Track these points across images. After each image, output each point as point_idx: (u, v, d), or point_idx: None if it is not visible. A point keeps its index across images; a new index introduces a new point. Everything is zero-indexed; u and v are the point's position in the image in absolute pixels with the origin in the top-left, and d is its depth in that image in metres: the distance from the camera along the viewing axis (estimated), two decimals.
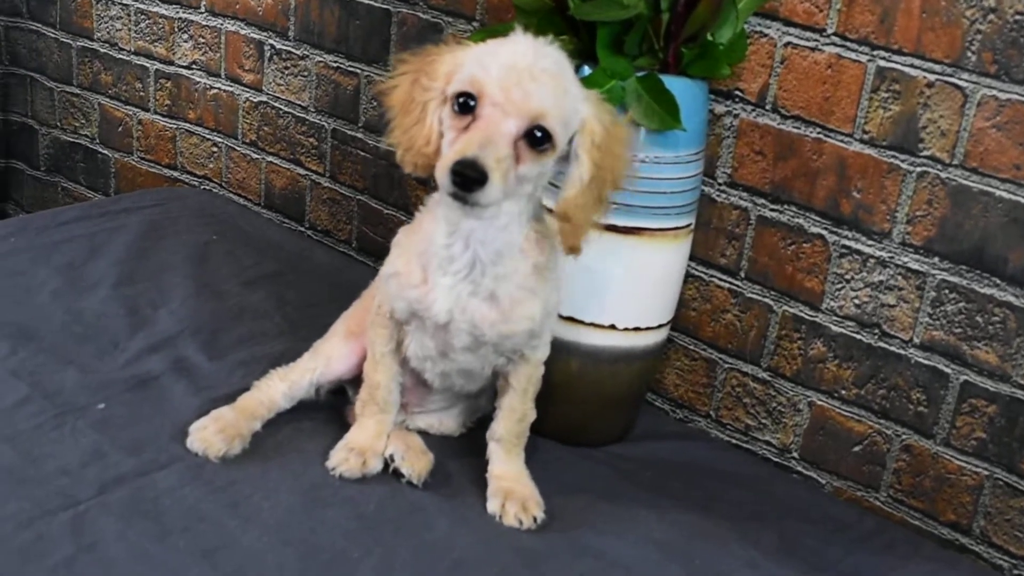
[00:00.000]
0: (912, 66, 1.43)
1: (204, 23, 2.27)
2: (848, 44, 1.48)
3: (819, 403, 1.60)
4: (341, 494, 1.30)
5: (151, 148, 2.46)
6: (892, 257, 1.50)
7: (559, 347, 1.43)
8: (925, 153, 1.45)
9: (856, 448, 1.58)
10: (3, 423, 1.35)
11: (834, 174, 1.53)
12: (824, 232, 1.55)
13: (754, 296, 1.64)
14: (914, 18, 1.42)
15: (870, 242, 1.51)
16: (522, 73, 1.15)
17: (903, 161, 1.46)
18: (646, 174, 1.40)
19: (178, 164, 2.42)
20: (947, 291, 1.46)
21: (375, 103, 2.02)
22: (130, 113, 2.47)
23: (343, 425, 1.43)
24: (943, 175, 1.44)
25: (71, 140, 2.62)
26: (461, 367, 1.35)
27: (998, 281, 1.42)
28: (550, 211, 1.28)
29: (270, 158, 2.24)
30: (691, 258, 1.61)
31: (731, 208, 1.63)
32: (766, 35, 1.55)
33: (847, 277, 1.54)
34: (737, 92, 1.59)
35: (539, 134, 1.16)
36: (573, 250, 1.25)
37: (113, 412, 1.40)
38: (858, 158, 1.50)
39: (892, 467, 1.55)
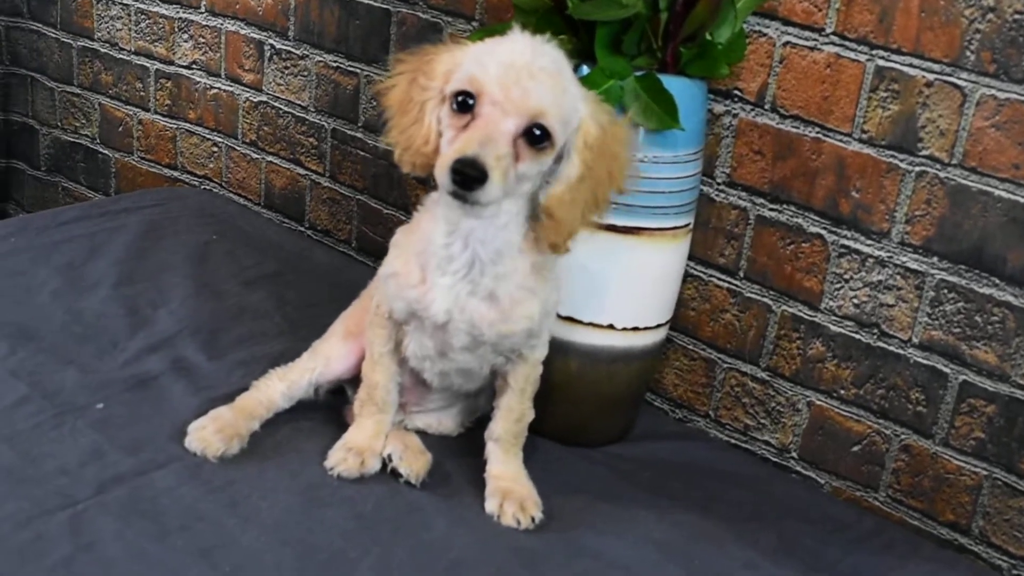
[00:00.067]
0: (911, 65, 1.43)
1: (204, 23, 2.27)
2: (847, 43, 1.48)
3: (818, 403, 1.60)
4: (339, 494, 1.30)
5: (151, 148, 2.46)
6: (891, 257, 1.50)
7: (557, 347, 1.43)
8: (924, 153, 1.44)
9: (855, 448, 1.58)
10: (2, 423, 1.35)
11: (833, 174, 1.52)
12: (823, 232, 1.55)
13: (753, 296, 1.64)
14: (913, 17, 1.42)
15: (869, 242, 1.51)
16: (521, 71, 1.15)
17: (902, 161, 1.46)
18: (645, 174, 1.40)
19: (178, 164, 2.43)
20: (946, 291, 1.46)
21: (375, 103, 2.02)
22: (130, 113, 2.47)
23: (342, 425, 1.43)
24: (942, 175, 1.43)
25: (72, 140, 2.62)
26: (460, 367, 1.35)
27: (997, 281, 1.42)
28: None
29: (270, 158, 2.24)
30: (690, 258, 1.61)
31: (730, 208, 1.63)
32: (765, 34, 1.55)
33: (846, 277, 1.54)
34: (736, 91, 1.59)
35: (538, 132, 1.16)
36: (555, 248, 1.25)
37: (112, 412, 1.41)
38: (857, 158, 1.50)
39: (891, 467, 1.55)
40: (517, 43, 1.19)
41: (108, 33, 2.45)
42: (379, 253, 1.38)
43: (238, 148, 2.30)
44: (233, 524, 1.22)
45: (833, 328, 1.57)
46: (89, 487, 1.24)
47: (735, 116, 1.60)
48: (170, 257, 1.92)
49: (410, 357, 1.37)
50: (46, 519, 1.18)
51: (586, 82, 1.31)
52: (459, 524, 1.29)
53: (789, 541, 1.38)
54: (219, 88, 2.29)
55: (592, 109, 1.22)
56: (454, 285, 1.27)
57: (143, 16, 2.37)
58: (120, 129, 2.51)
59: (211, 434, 1.34)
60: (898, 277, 1.50)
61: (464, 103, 1.17)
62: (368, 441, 1.37)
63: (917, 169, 1.45)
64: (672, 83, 1.39)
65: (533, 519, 1.30)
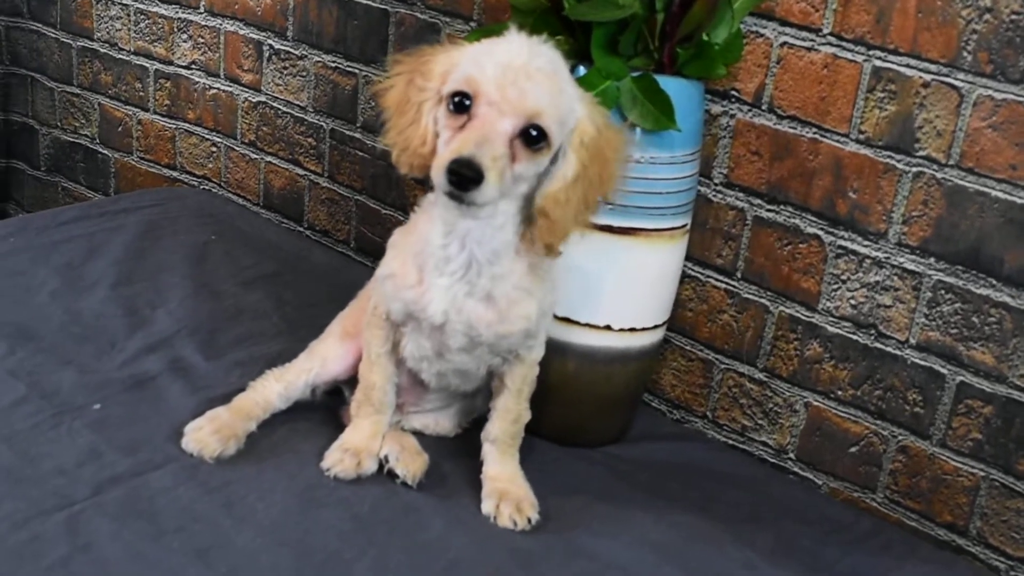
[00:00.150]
0: (908, 66, 1.43)
1: (203, 23, 2.27)
2: (844, 44, 1.48)
3: (815, 404, 1.60)
4: (336, 495, 1.30)
5: (150, 148, 2.46)
6: (888, 257, 1.50)
7: (555, 348, 1.43)
8: (921, 153, 1.44)
9: (852, 449, 1.58)
10: (0, 423, 1.35)
11: (830, 174, 1.52)
12: (820, 232, 1.55)
13: (750, 296, 1.64)
14: (910, 18, 1.42)
15: (866, 242, 1.51)
16: (517, 72, 1.15)
17: (899, 161, 1.46)
18: (642, 174, 1.40)
19: (177, 164, 2.43)
20: (943, 291, 1.46)
21: (373, 103, 2.02)
22: (130, 113, 2.47)
23: (339, 426, 1.43)
24: (939, 175, 1.43)
25: (71, 140, 2.63)
26: (457, 367, 1.35)
27: (994, 282, 1.41)
28: None
29: (269, 158, 2.25)
30: (687, 258, 1.61)
31: (727, 208, 1.63)
32: (762, 35, 1.55)
33: (843, 278, 1.54)
34: (733, 92, 1.59)
35: (535, 133, 1.16)
36: (549, 248, 1.25)
37: (110, 412, 1.41)
38: (854, 158, 1.50)
39: (888, 468, 1.55)
40: (514, 44, 1.19)
41: (108, 33, 2.45)
42: (377, 253, 1.38)
43: (237, 148, 2.30)
44: (229, 525, 1.22)
45: (830, 329, 1.57)
46: (86, 488, 1.25)
47: (732, 117, 1.60)
48: (169, 257, 1.92)
49: (407, 358, 1.37)
50: (43, 519, 1.18)
51: (583, 83, 1.31)
52: (456, 525, 1.29)
53: (787, 542, 1.38)
54: (218, 88, 2.29)
55: (589, 110, 1.22)
56: (451, 286, 1.27)
57: (142, 16, 2.38)
58: (119, 129, 2.51)
59: (208, 435, 1.34)
60: (895, 278, 1.50)
61: (461, 104, 1.17)
62: (365, 442, 1.37)
63: (914, 170, 1.45)
64: (669, 84, 1.38)
65: (530, 520, 1.30)
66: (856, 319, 1.54)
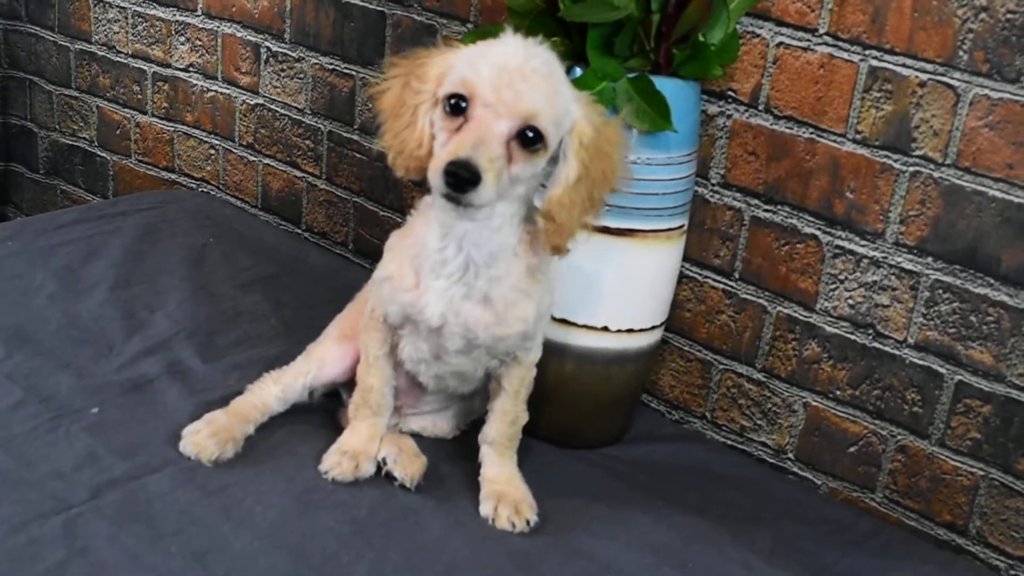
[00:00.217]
0: (904, 65, 1.43)
1: (201, 26, 2.27)
2: (840, 44, 1.48)
3: (814, 404, 1.60)
4: (333, 498, 1.30)
5: (149, 151, 2.46)
6: (886, 257, 1.49)
7: (552, 349, 1.43)
8: (918, 153, 1.44)
9: (851, 449, 1.58)
10: None
11: (827, 174, 1.52)
12: (818, 232, 1.55)
13: (748, 297, 1.64)
14: (906, 17, 1.41)
15: (863, 242, 1.51)
16: (513, 73, 1.15)
17: (896, 161, 1.46)
18: (638, 175, 1.40)
19: (176, 167, 2.43)
20: (941, 291, 1.46)
21: (370, 105, 2.02)
22: (128, 116, 2.47)
23: (337, 428, 1.43)
24: (936, 175, 1.43)
25: (70, 143, 2.63)
26: (455, 369, 1.35)
27: (992, 281, 1.41)
28: None
29: (267, 160, 2.25)
30: (685, 259, 1.61)
31: (725, 209, 1.63)
32: (758, 35, 1.54)
33: (841, 277, 1.54)
34: (730, 92, 1.59)
35: (531, 134, 1.16)
36: (557, 250, 1.25)
37: (107, 416, 1.41)
38: (851, 158, 1.50)
39: (888, 468, 1.55)
40: (509, 45, 1.19)
41: (105, 36, 2.45)
42: (376, 255, 1.38)
43: (235, 151, 2.30)
44: (227, 528, 1.22)
45: (828, 329, 1.57)
46: (84, 491, 1.25)
47: (729, 117, 1.60)
48: (167, 260, 1.92)
49: (405, 360, 1.37)
50: (40, 523, 1.18)
51: (578, 84, 1.30)
52: (454, 528, 1.29)
53: (786, 542, 1.38)
54: (216, 91, 2.29)
55: (585, 110, 1.22)
56: (448, 288, 1.27)
57: (140, 19, 2.38)
58: (118, 132, 2.51)
59: (206, 438, 1.34)
60: (893, 278, 1.49)
61: (457, 106, 1.17)
62: (363, 445, 1.37)
63: (911, 169, 1.45)
64: (665, 84, 1.38)
65: (528, 522, 1.30)
66: (854, 319, 1.54)
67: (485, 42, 1.21)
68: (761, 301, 1.63)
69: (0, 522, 1.17)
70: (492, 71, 1.15)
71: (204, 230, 2.07)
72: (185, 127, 2.38)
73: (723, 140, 1.61)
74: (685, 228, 1.53)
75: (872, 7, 1.44)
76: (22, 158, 2.77)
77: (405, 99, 1.23)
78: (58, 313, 1.67)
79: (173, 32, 2.32)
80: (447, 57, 1.22)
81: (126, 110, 2.47)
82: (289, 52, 2.13)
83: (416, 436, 1.46)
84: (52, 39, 2.57)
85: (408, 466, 1.35)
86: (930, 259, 1.46)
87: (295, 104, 2.15)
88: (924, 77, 1.42)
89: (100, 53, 2.48)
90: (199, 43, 2.29)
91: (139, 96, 2.44)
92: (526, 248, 1.28)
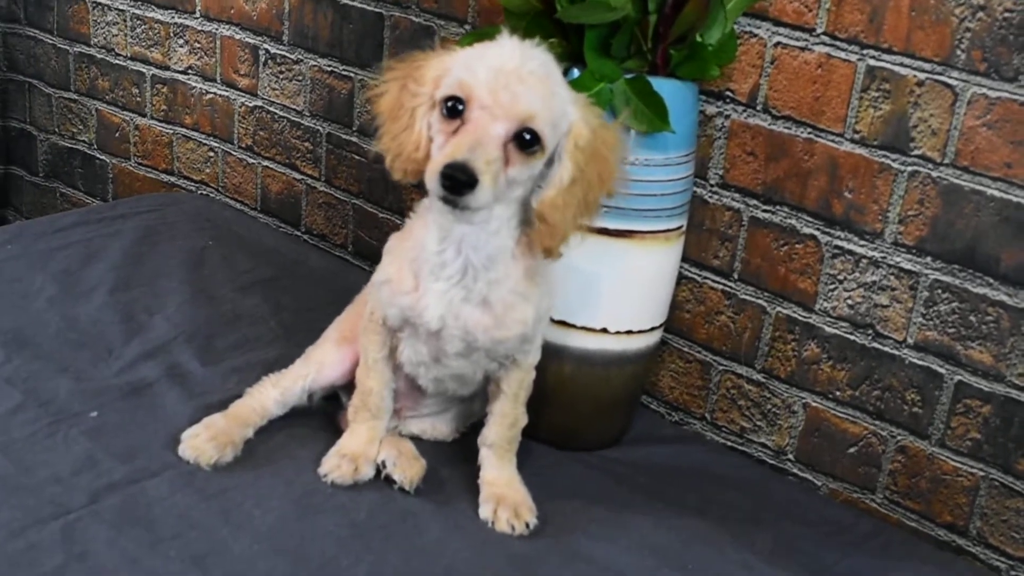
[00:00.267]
0: (902, 65, 1.43)
1: (199, 28, 2.27)
2: (838, 43, 1.47)
3: (814, 404, 1.60)
4: (333, 501, 1.30)
5: (148, 153, 2.46)
6: (884, 257, 1.49)
7: (551, 351, 1.43)
8: (916, 152, 1.44)
9: (851, 450, 1.57)
10: None
11: (825, 174, 1.52)
12: (816, 233, 1.55)
13: (747, 297, 1.64)
14: (903, 17, 1.41)
15: (862, 242, 1.51)
16: (509, 75, 1.15)
17: (894, 160, 1.46)
18: (636, 176, 1.40)
19: (175, 169, 2.43)
20: (940, 291, 1.45)
21: (369, 107, 2.02)
22: (127, 118, 2.47)
23: (336, 431, 1.43)
24: (934, 174, 1.43)
25: (69, 146, 2.63)
26: (454, 372, 1.35)
27: (991, 280, 1.41)
28: None
29: (266, 163, 2.24)
30: (684, 260, 1.61)
31: (723, 209, 1.63)
32: (756, 35, 1.54)
33: (840, 278, 1.54)
34: (728, 93, 1.59)
35: (528, 136, 1.16)
36: (548, 252, 1.25)
37: (106, 419, 1.41)
38: (849, 158, 1.49)
39: (888, 468, 1.54)
40: (505, 47, 1.19)
41: (104, 39, 2.45)
42: (375, 257, 1.38)
43: (234, 153, 2.30)
44: (226, 532, 1.22)
45: (828, 329, 1.56)
46: (82, 496, 1.25)
47: (727, 117, 1.59)
48: (166, 262, 1.92)
49: (404, 363, 1.37)
50: (39, 528, 1.18)
51: (576, 85, 1.30)
52: (453, 531, 1.29)
53: (786, 544, 1.38)
54: (215, 93, 2.29)
55: (582, 112, 1.21)
56: (447, 291, 1.27)
57: (139, 21, 2.38)
58: (117, 135, 2.51)
59: (205, 442, 1.34)
60: (892, 278, 1.49)
61: (454, 108, 1.17)
62: (362, 448, 1.36)
63: (909, 169, 1.45)
64: (662, 85, 1.38)
65: (527, 525, 1.30)
66: (853, 319, 1.54)
67: (482, 44, 1.21)
68: (760, 302, 1.62)
69: None
70: (488, 73, 1.15)
71: (203, 233, 2.07)
72: (184, 129, 2.38)
73: (721, 140, 1.61)
74: (684, 229, 1.52)
75: (870, 6, 1.44)
76: (22, 161, 2.77)
77: (402, 102, 1.23)
78: (57, 316, 1.67)
79: (172, 34, 2.32)
80: (444, 60, 1.21)
81: (125, 113, 2.47)
82: (288, 54, 2.13)
83: (415, 439, 1.46)
84: (51, 42, 2.57)
85: (407, 469, 1.35)
86: (929, 259, 1.46)
87: (294, 106, 2.15)
88: (922, 76, 1.41)
89: (99, 56, 2.48)
90: (198, 45, 2.29)
91: (138, 99, 2.44)
92: (524, 251, 1.27)
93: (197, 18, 2.27)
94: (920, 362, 1.49)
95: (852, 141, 1.49)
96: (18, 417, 1.38)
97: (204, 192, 2.38)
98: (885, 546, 1.43)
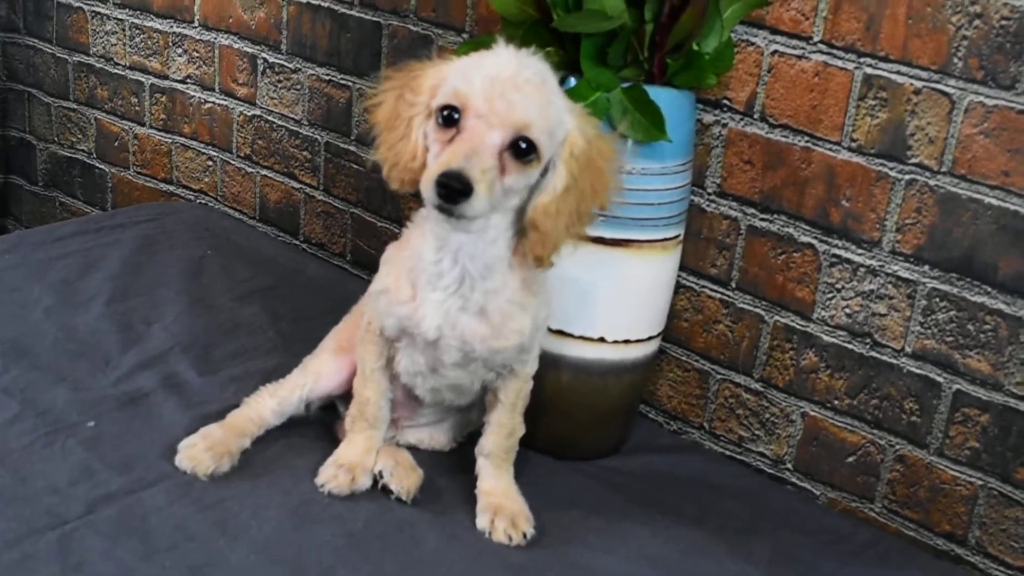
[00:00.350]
0: (899, 73, 1.43)
1: (198, 37, 2.27)
2: (835, 52, 1.47)
3: (812, 413, 1.60)
4: (330, 511, 1.30)
5: (147, 163, 2.47)
6: (882, 266, 1.49)
7: (549, 361, 1.43)
8: (913, 160, 1.44)
9: (850, 459, 1.57)
10: None
11: (823, 183, 1.52)
12: (814, 241, 1.55)
13: (745, 306, 1.63)
14: (900, 25, 1.41)
15: (860, 251, 1.51)
16: (505, 84, 1.15)
17: (891, 169, 1.46)
18: (633, 185, 1.40)
19: (174, 178, 2.43)
20: (938, 299, 1.45)
21: (367, 116, 2.02)
22: (126, 128, 2.48)
23: (333, 441, 1.42)
24: (932, 182, 1.43)
25: (68, 155, 2.63)
26: (451, 382, 1.34)
27: (989, 289, 1.41)
28: None
29: (264, 172, 2.25)
30: (682, 268, 1.61)
31: (721, 218, 1.63)
32: (753, 43, 1.54)
33: (838, 286, 1.54)
34: (725, 101, 1.59)
35: (524, 145, 1.16)
36: (540, 261, 1.24)
37: (103, 430, 1.40)
38: (846, 166, 1.49)
39: (886, 477, 1.54)
40: (501, 56, 1.19)
41: (103, 48, 2.46)
42: (373, 266, 1.38)
43: (233, 162, 2.30)
44: (223, 543, 1.21)
45: (826, 338, 1.56)
46: (79, 506, 1.24)
47: (724, 126, 1.59)
48: (164, 272, 1.92)
49: (401, 373, 1.37)
50: (35, 539, 1.18)
51: (572, 94, 1.30)
52: (450, 541, 1.28)
53: (784, 553, 1.37)
54: (213, 102, 2.29)
55: (578, 121, 1.21)
56: (444, 301, 1.27)
57: (137, 31, 2.38)
58: (116, 144, 2.51)
59: (201, 452, 1.33)
60: (890, 286, 1.49)
61: (450, 117, 1.17)
62: (359, 457, 1.36)
63: (907, 177, 1.45)
64: (659, 94, 1.38)
65: (524, 535, 1.30)
66: (851, 328, 1.54)
67: (478, 53, 1.21)
68: (758, 310, 1.62)
69: None
70: (484, 82, 1.15)
71: (202, 242, 2.07)
72: (183, 139, 2.38)
73: (719, 149, 1.61)
74: (681, 238, 1.52)
75: (866, 15, 1.44)
76: (21, 170, 2.77)
77: (399, 111, 1.23)
78: (55, 326, 1.67)
79: (170, 44, 2.33)
80: (440, 69, 1.22)
81: (124, 122, 2.47)
82: (286, 63, 2.13)
83: (412, 449, 1.45)
84: (50, 51, 2.57)
85: (404, 479, 1.35)
86: (927, 267, 1.45)
87: (292, 115, 2.15)
88: (919, 84, 1.41)
89: (98, 65, 2.48)
90: (196, 55, 2.29)
91: (137, 108, 2.44)
92: (521, 260, 1.27)
93: (196, 27, 2.27)
94: (918, 371, 1.48)
95: (849, 149, 1.49)
96: (15, 427, 1.38)
97: (203, 201, 2.39)
98: (884, 555, 1.43)
